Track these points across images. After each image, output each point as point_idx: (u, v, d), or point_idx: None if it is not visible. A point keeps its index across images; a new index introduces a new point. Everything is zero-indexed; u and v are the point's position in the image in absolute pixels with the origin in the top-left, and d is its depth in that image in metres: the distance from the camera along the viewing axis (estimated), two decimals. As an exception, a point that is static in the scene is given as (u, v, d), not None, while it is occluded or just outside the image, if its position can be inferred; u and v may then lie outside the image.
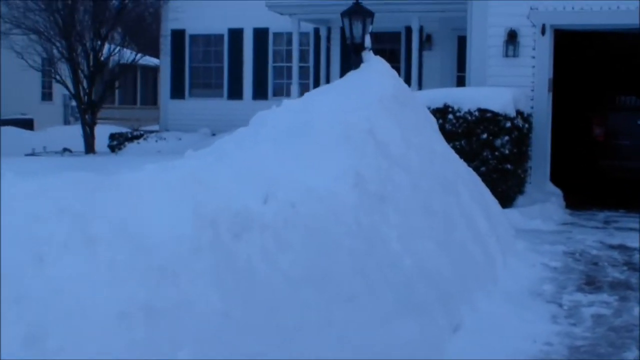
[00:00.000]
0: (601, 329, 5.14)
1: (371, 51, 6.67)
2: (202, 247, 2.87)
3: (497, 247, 6.34)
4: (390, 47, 17.06)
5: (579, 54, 13.00)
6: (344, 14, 7.13)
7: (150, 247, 2.65)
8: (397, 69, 16.50)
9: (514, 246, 6.94)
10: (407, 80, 15.84)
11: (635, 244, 7.87)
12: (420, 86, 15.25)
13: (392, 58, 16.94)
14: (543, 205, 9.20)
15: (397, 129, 5.82)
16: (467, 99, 8.90)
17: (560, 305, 5.64)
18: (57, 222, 2.42)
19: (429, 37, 16.30)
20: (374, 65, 6.63)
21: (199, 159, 4.53)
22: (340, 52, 16.84)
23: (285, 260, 3.32)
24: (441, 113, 8.78)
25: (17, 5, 16.88)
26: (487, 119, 8.72)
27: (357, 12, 7.06)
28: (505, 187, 8.80)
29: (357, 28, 6.84)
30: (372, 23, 7.13)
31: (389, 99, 6.15)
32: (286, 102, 5.81)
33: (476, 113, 8.74)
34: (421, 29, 15.69)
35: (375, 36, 17.17)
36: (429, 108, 8.80)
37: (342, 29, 16.11)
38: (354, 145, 5.01)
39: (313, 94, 6.34)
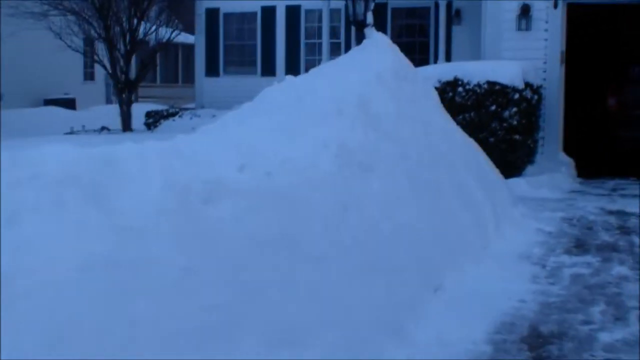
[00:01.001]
0: (577, 287, 5.46)
1: (373, 27, 6.99)
2: (169, 211, 3.26)
3: (490, 214, 6.67)
4: (420, 23, 17.32)
5: (594, 27, 13.10)
6: (347, -8, 7.45)
7: (117, 210, 3.06)
8: (426, 44, 16.94)
9: (511, 213, 7.25)
10: (435, 55, 16.19)
11: (633, 210, 8.12)
12: (448, 60, 15.48)
13: (421, 33, 17.27)
14: (552, 174, 9.46)
15: (392, 103, 6.17)
16: (476, 72, 9.18)
17: (544, 267, 5.98)
18: (29, 187, 2.85)
19: (457, 12, 16.42)
20: (376, 42, 6.97)
21: (196, 133, 4.96)
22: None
23: (254, 224, 3.70)
24: (451, 86, 9.09)
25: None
26: (496, 91, 9.00)
27: (360, -10, 7.37)
28: (514, 157, 9.10)
29: (360, 6, 7.14)
30: (374, 0, 7.43)
31: (387, 73, 6.49)
32: (288, 78, 6.18)
33: (485, 85, 9.03)
34: (450, 4, 15.90)
35: (405, 11, 17.52)
36: (439, 81, 9.15)
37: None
38: (343, 118, 5.37)
39: (317, 70, 6.71)
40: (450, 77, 9.09)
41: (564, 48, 10.32)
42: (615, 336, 4.52)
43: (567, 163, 10.19)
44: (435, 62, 15.49)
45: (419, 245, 5.13)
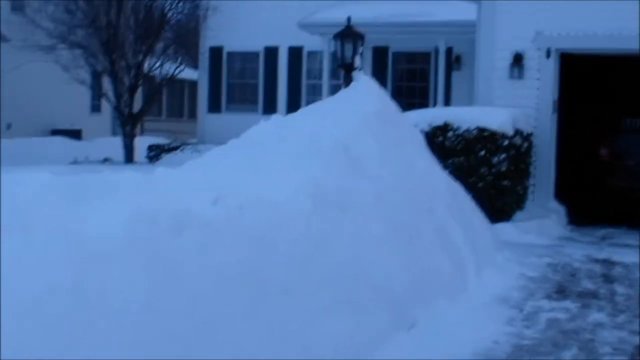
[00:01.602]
0: (551, 331, 5.52)
1: (361, 71, 7.15)
2: (136, 239, 3.37)
3: (471, 257, 6.74)
4: (421, 67, 17.54)
5: (587, 76, 13.27)
6: (335, 37, 7.65)
7: (85, 239, 3.16)
8: (426, 89, 17.15)
9: (494, 257, 7.32)
10: (434, 99, 16.39)
11: (620, 259, 8.19)
12: (448, 105, 15.68)
13: (422, 77, 17.50)
14: (541, 221, 9.53)
15: (374, 145, 6.29)
16: (466, 117, 9.31)
17: (521, 310, 6.04)
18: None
19: (457, 58, 16.64)
20: (363, 85, 7.11)
21: (179, 167, 5.07)
22: (372, 70, 17.30)
23: (220, 256, 3.80)
24: (442, 130, 9.21)
25: (63, 21, 17.78)
26: (485, 137, 9.11)
27: (348, 35, 7.55)
28: (502, 202, 9.19)
29: (348, 49, 7.32)
30: (362, 45, 7.64)
31: (371, 116, 6.62)
32: (274, 117, 6.30)
33: (474, 131, 9.15)
34: (450, 50, 16.15)
35: (406, 56, 17.77)
36: (430, 125, 9.29)
37: (374, 48, 16.85)
38: (322, 158, 5.48)
39: (304, 110, 6.86)
40: (440, 122, 9.22)
41: (556, 97, 10.47)
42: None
43: (558, 210, 10.27)
44: (435, 106, 15.69)
45: (390, 284, 5.20)
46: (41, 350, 2.87)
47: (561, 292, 6.74)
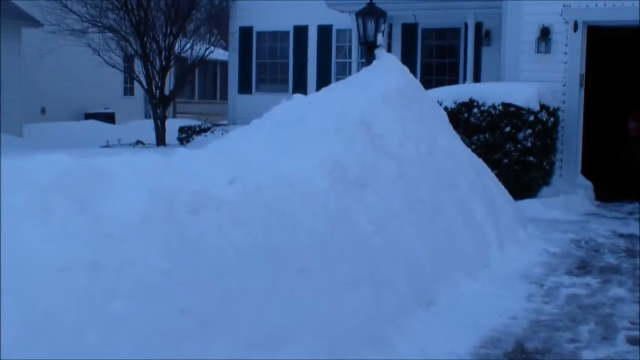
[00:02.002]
0: (570, 306, 5.55)
1: (383, 48, 7.17)
2: (154, 218, 3.48)
3: (493, 234, 6.78)
4: (450, 43, 17.47)
5: (615, 50, 13.13)
6: (357, 14, 7.67)
7: (102, 217, 3.28)
8: (456, 65, 17.06)
9: (517, 234, 7.34)
10: (464, 75, 16.32)
11: (646, 233, 8.16)
12: (477, 81, 15.61)
13: (451, 54, 17.42)
14: (568, 196, 9.51)
15: (396, 122, 6.34)
16: (492, 93, 9.30)
17: (542, 286, 6.07)
18: (19, 193, 3.08)
19: (487, 33, 16.52)
20: (385, 62, 7.15)
21: (201, 148, 5.18)
22: (401, 47, 17.26)
23: (238, 234, 3.89)
24: (467, 107, 9.22)
25: (95, 4, 17.98)
26: (511, 113, 9.10)
27: (370, 12, 7.57)
28: (528, 178, 9.18)
29: (370, 27, 7.34)
30: (384, 22, 7.64)
31: (393, 93, 6.66)
32: (296, 97, 6.38)
33: (500, 107, 9.14)
34: (480, 25, 16.05)
35: (435, 32, 17.69)
36: (455, 102, 9.30)
37: (403, 25, 16.82)
38: (342, 136, 5.55)
39: (326, 89, 6.91)
40: (465, 99, 9.22)
41: (583, 71, 10.38)
42: (599, 355, 4.62)
43: (585, 186, 10.23)
44: (464, 82, 15.63)
45: (411, 260, 5.28)
46: (59, 325, 2.99)
47: (582, 267, 6.75)
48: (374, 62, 7.15)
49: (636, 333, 4.98)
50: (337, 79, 18.77)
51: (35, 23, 20.09)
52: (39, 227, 3.03)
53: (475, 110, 9.16)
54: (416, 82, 7.26)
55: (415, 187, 5.93)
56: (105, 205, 3.34)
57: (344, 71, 18.29)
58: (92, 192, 3.36)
